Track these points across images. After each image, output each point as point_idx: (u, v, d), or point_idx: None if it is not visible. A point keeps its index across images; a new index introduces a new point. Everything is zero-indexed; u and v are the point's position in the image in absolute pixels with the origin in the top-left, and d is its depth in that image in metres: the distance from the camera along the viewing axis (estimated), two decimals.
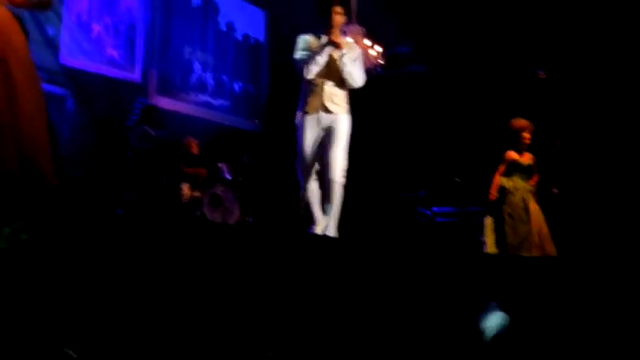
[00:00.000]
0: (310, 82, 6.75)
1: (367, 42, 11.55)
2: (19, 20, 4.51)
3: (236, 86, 14.37)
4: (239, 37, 14.48)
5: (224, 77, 14.15)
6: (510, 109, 10.09)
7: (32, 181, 4.22)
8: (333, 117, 6.74)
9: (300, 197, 6.79)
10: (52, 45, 11.30)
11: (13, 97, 4.20)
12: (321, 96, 6.72)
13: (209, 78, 13.85)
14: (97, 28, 11.82)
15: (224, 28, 14.21)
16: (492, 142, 9.60)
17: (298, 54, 6.79)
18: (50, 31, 11.35)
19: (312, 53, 6.68)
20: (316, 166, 6.78)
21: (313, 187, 6.78)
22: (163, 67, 13.02)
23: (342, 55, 6.74)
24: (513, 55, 12.52)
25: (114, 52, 12.04)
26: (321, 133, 6.74)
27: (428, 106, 13.31)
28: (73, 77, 11.49)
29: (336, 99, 6.77)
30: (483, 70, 12.95)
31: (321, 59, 6.65)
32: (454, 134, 12.72)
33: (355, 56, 6.91)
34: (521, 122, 8.89)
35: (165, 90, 12.99)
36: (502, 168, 8.77)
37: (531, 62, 12.49)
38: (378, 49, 11.61)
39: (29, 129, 4.26)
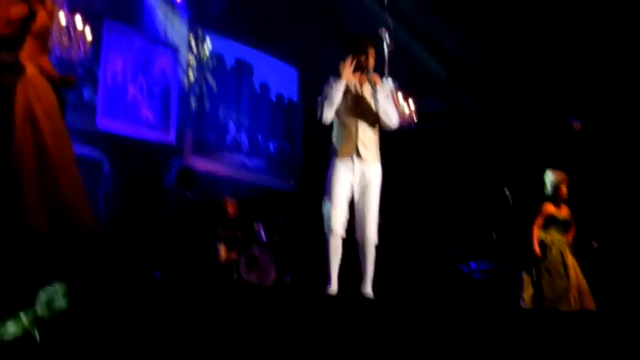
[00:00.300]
0: (342, 124, 6.51)
1: (400, 97, 11.56)
2: (54, 82, 4.54)
3: (271, 146, 14.44)
4: (273, 97, 14.59)
5: (259, 137, 14.23)
6: (546, 162, 10.03)
7: (72, 236, 4.20)
8: (367, 167, 6.48)
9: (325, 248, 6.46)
10: (88, 108, 11.46)
11: (43, 158, 4.21)
12: (354, 140, 6.47)
13: (244, 138, 13.94)
14: (132, 90, 11.98)
15: (258, 89, 14.34)
16: (528, 196, 9.53)
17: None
18: (85, 94, 11.52)
19: (326, 94, 6.46)
20: (344, 222, 6.45)
21: (337, 245, 6.43)
22: (198, 128, 13.14)
23: (375, 92, 6.52)
24: (548, 107, 12.48)
25: (149, 114, 12.18)
26: (353, 181, 6.46)
27: (463, 160, 13.26)
28: (109, 139, 11.62)
29: (368, 143, 6.52)
30: (519, 123, 12.91)
31: (336, 97, 6.42)
32: (489, 188, 12.63)
33: (388, 93, 6.70)
34: (558, 175, 8.82)
35: (201, 151, 13.09)
36: (540, 221, 8.69)
37: (566, 113, 12.47)
38: (411, 104, 11.61)
39: (62, 186, 4.26)
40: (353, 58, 6.52)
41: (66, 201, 4.23)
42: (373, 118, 6.57)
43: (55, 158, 4.24)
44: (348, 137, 6.46)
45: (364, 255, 6.46)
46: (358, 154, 6.45)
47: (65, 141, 4.40)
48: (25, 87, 4.24)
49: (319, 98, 6.54)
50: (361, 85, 6.61)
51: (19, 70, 4.26)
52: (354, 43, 6.59)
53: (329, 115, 6.48)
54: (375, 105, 6.51)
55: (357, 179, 6.46)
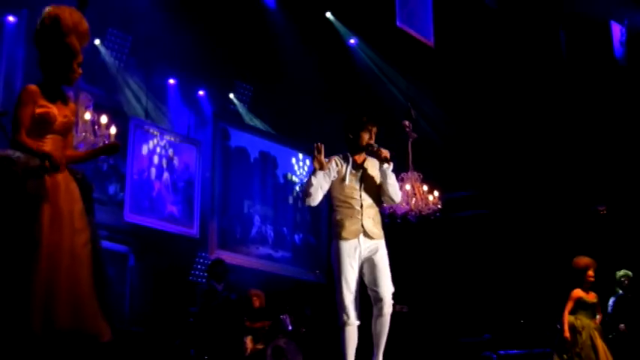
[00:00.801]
0: (344, 205, 6.23)
1: (425, 187, 11.60)
2: (82, 178, 4.60)
3: (296, 238, 14.46)
4: (297, 187, 14.68)
5: (284, 229, 14.27)
6: (573, 247, 10.00)
7: (85, 341, 4.23)
8: (374, 245, 6.22)
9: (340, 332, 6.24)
10: (113, 203, 11.60)
11: (64, 259, 4.26)
12: (359, 219, 6.20)
13: (269, 230, 13.98)
14: (157, 185, 12.12)
15: (282, 180, 14.45)
16: (556, 281, 9.47)
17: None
18: (110, 190, 11.67)
19: (304, 187, 6.23)
20: (358, 309, 6.22)
21: (353, 333, 6.21)
22: (223, 221, 13.22)
23: (387, 167, 6.27)
24: (573, 194, 12.48)
25: (173, 208, 12.29)
26: (362, 263, 6.18)
27: (490, 247, 13.21)
28: (135, 233, 11.71)
29: (374, 222, 6.29)
30: (544, 210, 12.89)
31: (314, 191, 6.14)
32: (515, 275, 12.55)
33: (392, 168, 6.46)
34: (585, 260, 8.78)
35: (226, 244, 13.15)
36: (569, 306, 8.62)
37: (591, 199, 12.46)
38: (436, 193, 11.63)
39: (83, 290, 4.30)
40: (352, 137, 6.37)
41: (83, 305, 4.28)
42: (376, 196, 6.39)
43: (77, 260, 4.30)
44: (353, 218, 6.20)
45: (379, 323, 6.23)
46: (365, 234, 6.19)
47: (89, 238, 4.45)
48: (52, 189, 4.35)
49: (302, 185, 6.43)
50: (362, 163, 6.42)
51: (43, 172, 4.36)
52: (354, 122, 6.44)
53: (313, 203, 6.25)
54: (385, 180, 6.34)
55: (365, 256, 6.19)
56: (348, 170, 6.35)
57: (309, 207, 14.16)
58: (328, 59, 13.29)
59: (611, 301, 10.11)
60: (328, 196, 6.32)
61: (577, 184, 12.48)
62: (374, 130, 6.40)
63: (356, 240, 6.15)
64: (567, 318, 8.57)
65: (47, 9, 4.61)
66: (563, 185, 12.63)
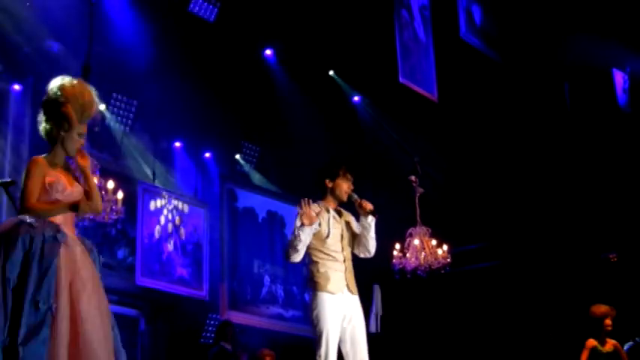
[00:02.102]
0: (328, 258, 6.05)
1: (434, 242, 11.57)
2: (91, 248, 4.62)
3: (306, 296, 14.36)
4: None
5: (294, 288, 14.21)
6: (585, 296, 9.92)
7: None
8: (355, 301, 6.10)
9: None
10: (122, 267, 11.59)
11: (78, 328, 4.25)
12: (343, 272, 6.05)
13: (279, 290, 13.93)
14: (167, 248, 12.12)
15: None
16: (569, 332, 9.38)
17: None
18: (120, 254, 11.67)
19: (292, 241, 6.00)
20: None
21: None
22: (234, 282, 13.19)
23: (372, 220, 6.16)
24: (583, 242, 12.44)
25: (183, 271, 12.26)
26: (343, 318, 5.98)
27: (502, 299, 13.13)
28: (145, 297, 11.67)
29: (352, 275, 6.14)
30: (554, 259, 12.84)
31: (302, 246, 5.96)
32: (529, 326, 12.46)
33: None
34: (602, 309, 8.63)
35: (237, 305, 13.10)
36: (585, 355, 8.50)
37: (601, 247, 12.41)
38: (445, 247, 11.59)
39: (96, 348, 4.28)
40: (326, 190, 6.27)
41: None
42: (352, 249, 6.30)
43: (90, 329, 4.29)
44: (337, 271, 6.05)
45: None
46: (348, 288, 6.05)
47: (102, 302, 4.45)
48: (66, 257, 4.35)
49: (289, 239, 6.15)
50: (341, 215, 6.34)
51: (61, 239, 4.37)
52: (331, 169, 6.30)
53: (298, 259, 6.06)
54: (366, 233, 6.23)
55: (347, 314, 6.03)
56: (330, 223, 6.20)
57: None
58: (333, 117, 13.36)
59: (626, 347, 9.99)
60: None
61: (586, 233, 12.43)
62: (351, 179, 6.29)
63: (340, 294, 6.00)
64: None
65: (54, 80, 4.67)
66: (573, 234, 12.58)
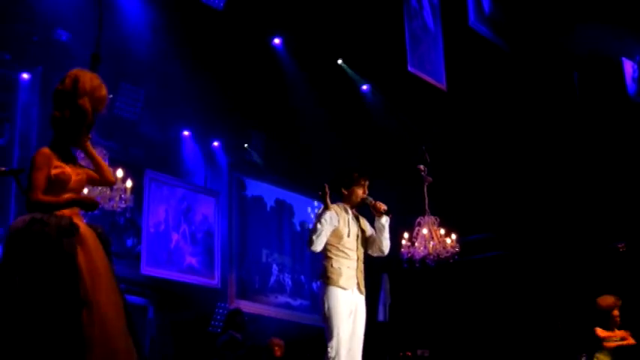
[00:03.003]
0: (343, 256, 6.33)
1: (442, 231, 11.56)
2: (101, 233, 4.63)
3: (314, 285, 14.41)
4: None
5: (302, 277, 14.25)
6: (593, 286, 9.91)
7: None
8: (361, 300, 6.37)
9: None
10: (131, 256, 11.60)
11: (102, 322, 4.27)
12: (355, 271, 6.34)
13: (287, 279, 13.96)
14: (175, 237, 12.13)
15: (298, 228, 14.46)
16: (577, 321, 9.37)
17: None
18: (128, 243, 11.69)
19: (318, 227, 6.25)
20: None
21: None
22: (242, 271, 13.21)
23: (386, 221, 6.44)
24: (591, 232, 12.42)
25: (192, 260, 12.28)
26: (349, 314, 6.24)
27: (510, 288, 13.13)
28: (153, 286, 11.70)
29: (363, 275, 6.43)
30: (563, 249, 12.82)
31: (328, 230, 6.26)
32: (536, 316, 12.46)
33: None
34: (608, 301, 8.61)
35: (245, 294, 13.13)
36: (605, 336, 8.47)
37: (610, 237, 12.39)
38: (453, 237, 11.58)
39: (119, 353, 4.30)
40: (344, 190, 6.54)
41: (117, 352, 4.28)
42: (365, 250, 6.57)
43: (110, 318, 4.31)
44: (350, 269, 6.32)
45: None
46: (357, 286, 6.33)
47: (117, 292, 4.47)
48: (83, 247, 4.39)
49: (311, 228, 6.38)
50: (357, 217, 6.62)
51: (75, 231, 4.40)
52: (345, 178, 6.57)
53: (319, 248, 6.29)
54: (380, 234, 6.51)
55: (353, 311, 6.28)
56: (350, 222, 6.49)
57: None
58: (341, 106, 13.35)
59: None
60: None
61: (595, 223, 12.41)
62: (366, 184, 6.58)
63: (351, 291, 6.26)
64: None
65: (71, 71, 4.69)
66: (581, 224, 12.56)
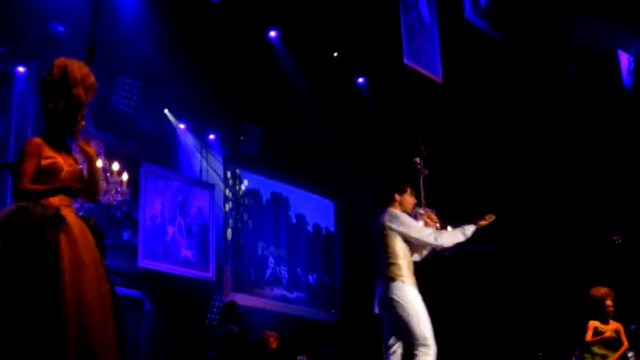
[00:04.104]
0: (410, 255, 6.71)
1: (438, 224, 11.57)
2: (94, 225, 4.62)
3: (310, 278, 14.45)
4: (310, 228, 14.69)
5: (298, 270, 14.26)
6: (589, 278, 9.93)
7: None
8: None
9: None
10: (127, 249, 11.59)
11: (82, 307, 4.26)
12: (413, 272, 6.69)
13: (283, 272, 13.97)
14: (171, 230, 12.12)
15: (295, 221, 14.47)
16: (573, 313, 9.41)
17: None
18: (125, 236, 11.68)
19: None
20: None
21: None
22: (237, 264, 13.21)
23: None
24: (587, 224, 12.45)
25: (188, 253, 12.27)
26: None
27: (506, 280, 13.16)
28: (150, 279, 11.70)
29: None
30: (559, 241, 12.85)
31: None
32: (532, 308, 12.49)
33: None
34: (601, 291, 8.70)
35: (240, 287, 13.14)
36: (589, 335, 8.55)
37: (606, 229, 12.41)
38: (450, 230, 11.59)
39: (98, 343, 4.29)
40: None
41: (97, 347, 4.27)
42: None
43: (93, 308, 4.30)
44: (412, 269, 6.67)
45: None
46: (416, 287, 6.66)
47: (103, 283, 4.46)
48: (69, 237, 4.37)
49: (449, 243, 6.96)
50: None
51: (60, 221, 4.38)
52: (399, 186, 6.92)
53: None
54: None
55: None
56: None
57: (323, 247, 14.16)
58: (337, 99, 13.36)
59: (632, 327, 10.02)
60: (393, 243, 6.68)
61: (591, 215, 12.43)
62: (414, 192, 7.08)
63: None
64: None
65: (57, 60, 4.66)
66: (577, 216, 12.58)
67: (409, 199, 6.88)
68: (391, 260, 6.57)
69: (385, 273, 6.58)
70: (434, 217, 7.14)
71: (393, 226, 6.62)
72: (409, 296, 6.49)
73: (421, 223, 11.38)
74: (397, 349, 6.69)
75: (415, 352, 6.45)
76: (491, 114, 13.06)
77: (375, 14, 11.76)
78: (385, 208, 6.80)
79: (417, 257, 6.86)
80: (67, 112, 4.61)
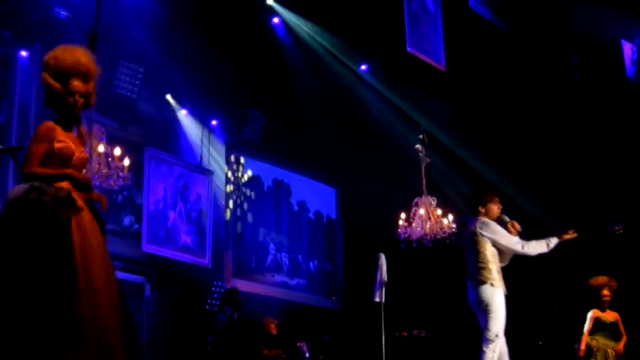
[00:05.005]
0: (499, 260, 7.08)
1: (439, 211, 11.58)
2: (96, 212, 4.63)
3: (311, 265, 14.47)
4: (311, 215, 14.71)
5: (299, 257, 14.28)
6: (591, 268, 9.94)
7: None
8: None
9: None
10: (128, 234, 11.61)
11: (92, 295, 4.28)
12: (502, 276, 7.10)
13: (284, 258, 13.99)
14: (172, 215, 12.15)
15: (296, 208, 14.48)
16: (574, 302, 9.43)
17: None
18: (126, 221, 11.69)
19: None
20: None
21: None
22: (239, 250, 13.24)
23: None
24: (589, 214, 12.43)
25: (187, 239, 12.31)
26: None
27: (507, 269, 13.14)
28: (150, 264, 11.72)
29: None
30: (560, 231, 12.82)
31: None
32: (534, 297, 12.49)
33: None
34: (599, 280, 8.81)
35: (242, 273, 13.17)
36: (589, 327, 8.63)
37: (607, 219, 12.40)
38: (450, 217, 11.60)
39: (107, 326, 4.31)
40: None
41: (108, 338, 4.29)
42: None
43: (102, 296, 4.32)
44: (500, 272, 7.08)
45: None
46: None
47: (109, 268, 4.49)
48: (78, 221, 4.37)
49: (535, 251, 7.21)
50: None
51: (72, 204, 4.39)
52: (481, 196, 7.24)
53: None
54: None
55: None
56: None
57: (324, 234, 14.17)
58: (340, 86, 13.35)
59: None
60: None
61: (592, 205, 12.42)
62: (499, 199, 7.37)
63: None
64: (585, 338, 8.61)
65: (53, 50, 4.68)
66: (579, 206, 12.58)
67: (493, 207, 7.20)
68: (482, 265, 7.02)
69: (476, 276, 7.03)
70: (517, 225, 7.16)
71: (484, 233, 7.04)
72: (496, 298, 6.93)
73: (422, 211, 11.47)
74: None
75: (484, 348, 6.90)
76: (494, 102, 13.03)
77: (379, 1, 11.75)
78: (475, 216, 7.21)
79: (502, 263, 7.23)
80: (65, 99, 4.62)
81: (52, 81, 4.61)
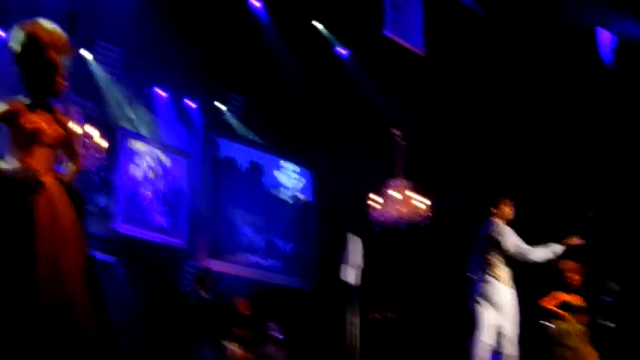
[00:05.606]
0: (507, 259, 7.74)
1: (414, 195, 11.65)
2: (73, 191, 4.61)
3: (286, 246, 14.50)
4: (287, 197, 14.74)
5: (274, 238, 14.31)
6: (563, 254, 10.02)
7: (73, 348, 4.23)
8: (514, 295, 7.86)
9: None
10: (103, 214, 11.62)
11: (58, 269, 4.27)
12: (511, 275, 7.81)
13: (259, 239, 14.03)
14: (147, 196, 12.16)
15: (272, 190, 14.50)
16: (545, 287, 9.50)
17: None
18: (101, 202, 11.69)
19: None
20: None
21: None
22: (213, 231, 13.26)
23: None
24: (562, 199, 12.53)
25: (162, 219, 12.33)
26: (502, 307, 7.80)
27: None
28: (124, 244, 11.74)
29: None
30: (533, 216, 12.92)
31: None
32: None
33: None
34: (567, 263, 8.85)
35: (216, 253, 13.19)
36: (548, 301, 8.63)
37: (580, 204, 12.50)
38: (426, 201, 11.68)
39: (75, 309, 4.31)
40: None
41: (74, 311, 4.30)
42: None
43: (69, 270, 4.32)
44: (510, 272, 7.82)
45: None
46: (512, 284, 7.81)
47: (82, 250, 4.48)
48: (45, 201, 4.33)
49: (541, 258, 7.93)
50: None
51: (37, 184, 4.36)
52: (494, 200, 8.04)
53: None
54: None
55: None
56: None
57: (300, 217, 14.19)
58: (318, 69, 13.37)
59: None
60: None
61: (565, 190, 12.51)
62: (511, 203, 8.11)
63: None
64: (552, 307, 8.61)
65: (24, 27, 4.65)
66: (552, 191, 12.67)
67: (505, 210, 7.97)
68: (491, 262, 7.68)
69: (485, 273, 7.71)
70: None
71: (494, 234, 7.70)
72: (501, 290, 7.67)
73: (395, 193, 11.53)
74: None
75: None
76: (472, 88, 13.08)
77: None
78: (488, 217, 7.92)
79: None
80: (45, 76, 4.60)
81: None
